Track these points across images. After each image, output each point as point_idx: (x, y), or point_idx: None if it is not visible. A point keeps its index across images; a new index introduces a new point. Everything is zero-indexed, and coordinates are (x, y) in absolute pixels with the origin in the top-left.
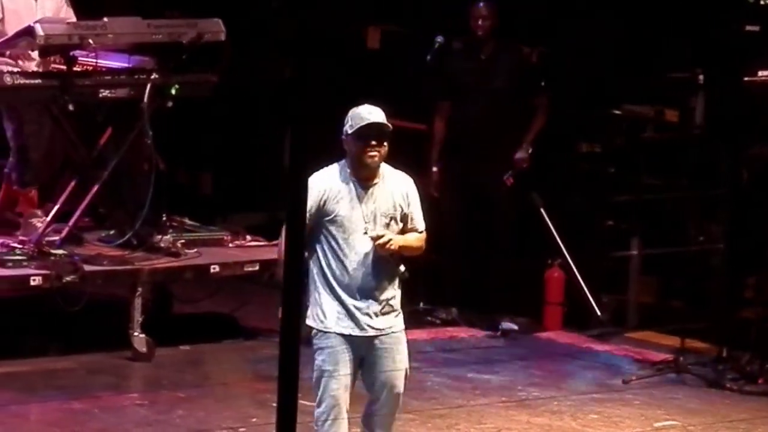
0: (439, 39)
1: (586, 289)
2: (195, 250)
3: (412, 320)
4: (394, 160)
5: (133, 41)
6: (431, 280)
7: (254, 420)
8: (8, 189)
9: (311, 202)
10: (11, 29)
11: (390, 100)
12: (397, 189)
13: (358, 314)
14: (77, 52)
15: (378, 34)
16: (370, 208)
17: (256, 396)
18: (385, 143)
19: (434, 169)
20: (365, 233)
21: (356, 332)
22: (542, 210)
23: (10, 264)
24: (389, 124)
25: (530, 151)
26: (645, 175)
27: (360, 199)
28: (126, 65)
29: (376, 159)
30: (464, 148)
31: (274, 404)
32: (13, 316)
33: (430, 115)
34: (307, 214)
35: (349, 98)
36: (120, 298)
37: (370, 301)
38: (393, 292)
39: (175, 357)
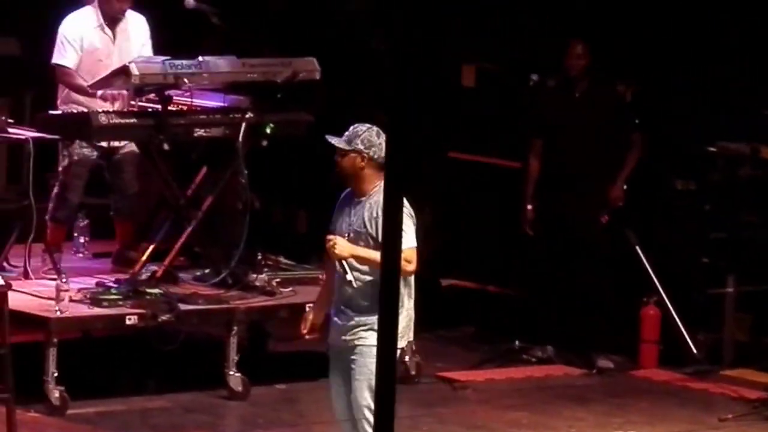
0: (534, 77)
1: (681, 326)
2: (290, 288)
3: (508, 358)
4: (488, 197)
5: (228, 80)
6: (527, 318)
7: None
8: (122, 227)
9: None
10: (87, 69)
11: (484, 138)
12: (371, 210)
13: (337, 325)
14: (172, 91)
15: (473, 71)
16: (348, 222)
17: None
18: (344, 158)
19: (528, 206)
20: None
21: (334, 342)
22: (637, 247)
23: (105, 303)
24: (338, 144)
25: (625, 188)
26: (741, 212)
27: (348, 213)
28: (221, 104)
29: (337, 172)
30: (558, 185)
31: None
32: (109, 355)
33: (524, 152)
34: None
35: (444, 136)
36: (215, 336)
37: (346, 312)
38: (368, 307)
39: (271, 396)
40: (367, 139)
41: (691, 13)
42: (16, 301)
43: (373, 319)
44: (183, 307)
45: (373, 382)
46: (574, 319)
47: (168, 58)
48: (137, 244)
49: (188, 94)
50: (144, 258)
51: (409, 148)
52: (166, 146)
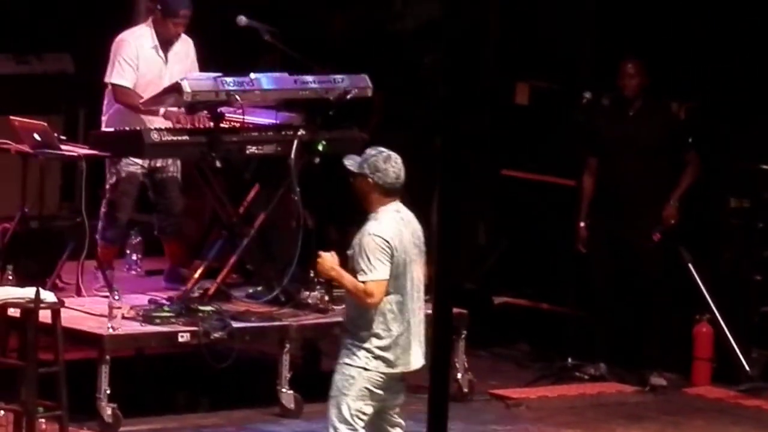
0: (587, 95)
1: (734, 344)
2: (343, 305)
3: (561, 376)
4: (541, 215)
5: (281, 97)
6: (579, 336)
7: None
8: (170, 246)
9: None
10: (140, 89)
11: (538, 156)
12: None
13: None
14: (224, 109)
15: (527, 89)
16: None
17: None
18: (355, 180)
19: (582, 224)
20: None
21: None
22: (691, 265)
23: (158, 321)
24: (350, 166)
25: (678, 207)
26: None
27: None
28: (273, 121)
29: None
30: (612, 204)
31: None
32: (162, 372)
33: (578, 170)
34: None
35: (497, 154)
36: (268, 354)
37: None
38: (350, 326)
39: (324, 413)
40: (374, 164)
41: (744, 30)
42: (69, 318)
43: (350, 340)
44: (235, 324)
45: (340, 400)
46: (627, 336)
47: (220, 75)
48: (190, 262)
49: (240, 111)
50: (196, 275)
51: (462, 167)
52: (218, 164)
